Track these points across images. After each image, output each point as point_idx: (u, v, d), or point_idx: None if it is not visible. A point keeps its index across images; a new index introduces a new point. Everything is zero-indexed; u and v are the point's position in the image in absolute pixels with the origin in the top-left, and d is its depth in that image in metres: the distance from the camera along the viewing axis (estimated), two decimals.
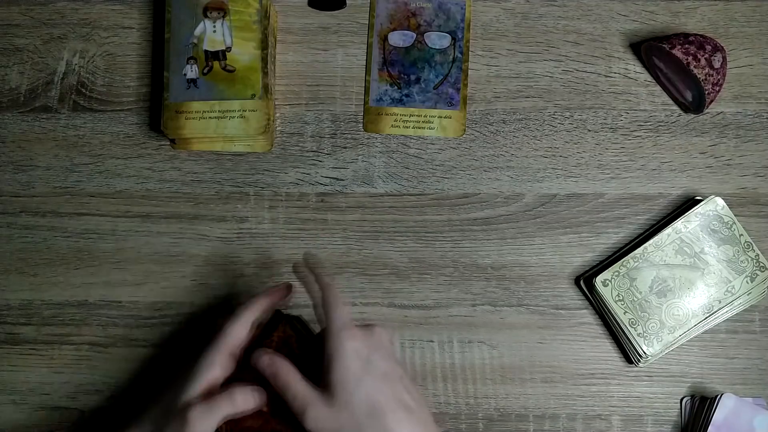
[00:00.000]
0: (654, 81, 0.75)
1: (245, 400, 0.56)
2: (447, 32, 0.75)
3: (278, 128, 0.74)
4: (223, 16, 0.71)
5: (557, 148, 0.74)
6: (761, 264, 0.70)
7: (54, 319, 0.73)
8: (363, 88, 0.75)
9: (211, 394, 0.56)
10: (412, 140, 0.74)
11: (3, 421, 0.72)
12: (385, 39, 0.75)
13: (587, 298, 0.72)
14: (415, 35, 0.75)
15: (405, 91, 0.75)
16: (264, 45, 0.71)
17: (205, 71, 0.71)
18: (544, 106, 0.74)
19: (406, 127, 0.74)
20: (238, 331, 0.59)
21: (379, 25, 0.76)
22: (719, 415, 0.67)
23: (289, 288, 0.63)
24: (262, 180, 0.74)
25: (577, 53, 0.75)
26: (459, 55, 0.75)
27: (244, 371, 0.58)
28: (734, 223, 0.70)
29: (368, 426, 0.53)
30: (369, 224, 0.73)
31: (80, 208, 0.74)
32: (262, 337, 0.61)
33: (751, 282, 0.70)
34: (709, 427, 0.67)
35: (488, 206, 0.73)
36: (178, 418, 0.54)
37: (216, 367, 0.57)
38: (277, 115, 0.75)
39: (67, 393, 0.72)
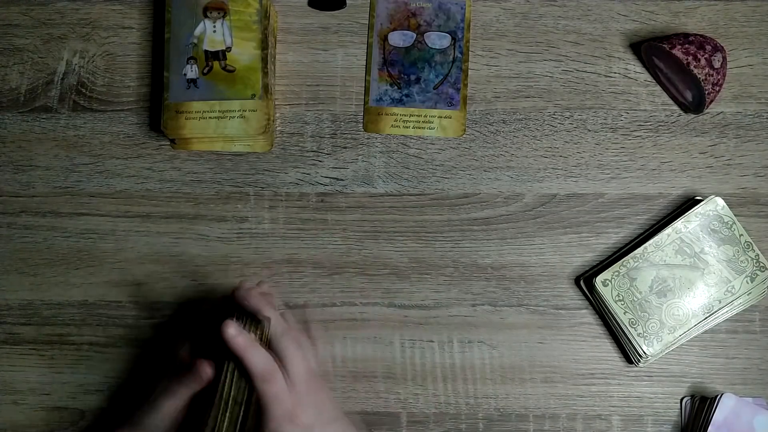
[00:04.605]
0: (654, 81, 0.75)
1: (209, 375, 0.60)
2: (447, 32, 0.75)
3: (278, 128, 0.75)
4: (223, 16, 0.71)
5: (557, 148, 0.74)
6: (761, 264, 0.70)
7: (54, 319, 0.73)
8: (363, 88, 0.75)
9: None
10: (412, 140, 0.74)
11: (3, 421, 0.72)
12: (385, 39, 0.75)
13: (587, 298, 0.72)
14: (415, 35, 0.75)
15: (405, 91, 0.75)
16: (264, 45, 0.71)
17: (205, 71, 0.71)
18: (544, 106, 0.74)
19: (406, 127, 0.74)
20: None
21: (379, 25, 0.76)
22: (719, 415, 0.67)
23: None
24: (262, 180, 0.74)
25: (577, 53, 0.75)
26: (459, 55, 0.75)
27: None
28: (734, 223, 0.70)
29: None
30: (369, 224, 0.73)
31: (80, 208, 0.74)
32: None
33: (751, 282, 0.70)
34: (709, 427, 0.67)
35: (488, 206, 0.73)
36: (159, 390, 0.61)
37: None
38: (277, 115, 0.75)
39: (67, 393, 0.72)
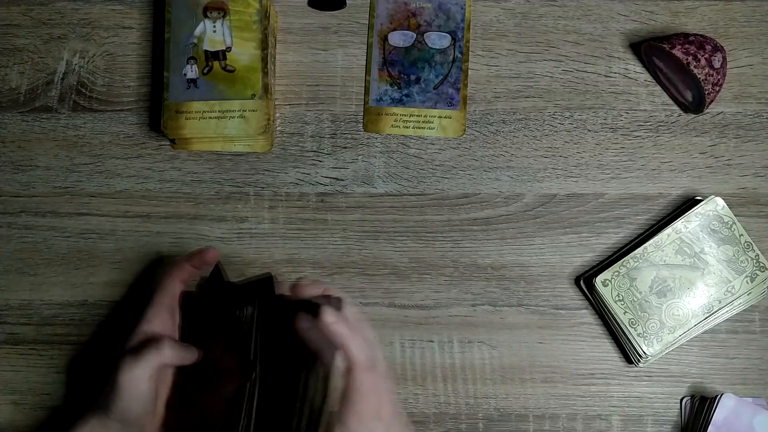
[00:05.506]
0: (654, 81, 0.75)
1: (173, 353, 0.59)
2: (447, 32, 0.75)
3: (278, 128, 0.75)
4: (223, 16, 0.71)
5: (557, 148, 0.74)
6: (761, 264, 0.70)
7: (54, 319, 0.73)
8: (363, 88, 0.75)
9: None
10: (412, 140, 0.74)
11: (3, 421, 0.72)
12: (385, 39, 0.75)
13: (587, 298, 0.72)
14: (415, 35, 0.75)
15: (405, 91, 0.75)
16: (264, 45, 0.71)
17: (205, 71, 0.71)
18: (544, 106, 0.74)
19: (406, 127, 0.74)
20: (173, 287, 0.63)
21: (379, 25, 0.76)
22: (719, 415, 0.67)
23: (213, 256, 0.65)
24: (262, 180, 0.74)
25: (577, 53, 0.75)
26: (459, 55, 0.75)
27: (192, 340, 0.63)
28: (734, 223, 0.70)
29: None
30: (369, 224, 0.73)
31: (80, 208, 0.74)
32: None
33: (751, 282, 0.70)
34: (709, 427, 0.67)
35: (488, 206, 0.73)
36: (113, 367, 0.59)
37: (154, 321, 0.61)
38: (277, 115, 0.75)
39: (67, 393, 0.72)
